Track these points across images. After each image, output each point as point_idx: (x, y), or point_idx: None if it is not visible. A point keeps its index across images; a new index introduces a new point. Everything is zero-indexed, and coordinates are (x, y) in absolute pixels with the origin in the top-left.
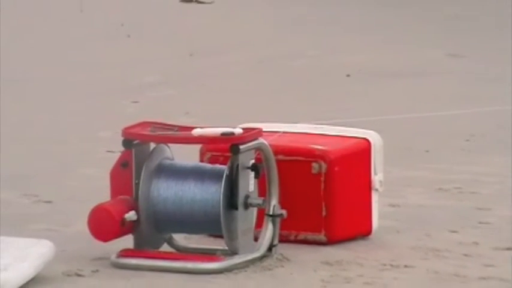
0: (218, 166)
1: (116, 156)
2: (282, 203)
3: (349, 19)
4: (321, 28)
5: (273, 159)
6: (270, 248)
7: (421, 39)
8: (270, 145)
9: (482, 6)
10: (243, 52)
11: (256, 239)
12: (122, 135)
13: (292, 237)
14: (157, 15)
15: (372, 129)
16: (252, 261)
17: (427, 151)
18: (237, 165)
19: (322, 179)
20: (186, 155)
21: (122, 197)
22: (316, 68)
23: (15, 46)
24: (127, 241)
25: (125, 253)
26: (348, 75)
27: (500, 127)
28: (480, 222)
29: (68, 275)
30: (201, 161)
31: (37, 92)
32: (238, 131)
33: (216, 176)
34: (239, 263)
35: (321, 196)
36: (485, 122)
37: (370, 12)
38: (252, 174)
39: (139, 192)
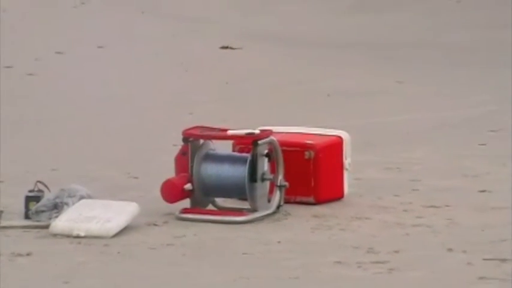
0: (244, 154)
1: (178, 148)
2: (286, 178)
3: (321, 56)
4: (306, 62)
5: (279, 149)
6: (278, 207)
7: (375, 70)
8: (278, 140)
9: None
10: (260, 81)
11: (269, 201)
12: (182, 134)
13: (292, 200)
14: (205, 56)
15: (343, 130)
16: (267, 216)
17: (379, 144)
18: (256, 154)
19: (312, 162)
20: (223, 147)
21: (182, 174)
22: (309, 90)
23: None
24: (185, 203)
25: (184, 210)
26: (328, 95)
27: (428, 128)
28: (413, 189)
29: (148, 225)
30: (233, 151)
31: (133, 107)
32: (257, 131)
33: (243, 160)
34: (258, 217)
35: (311, 173)
36: (417, 124)
37: (346, 52)
38: (266, 159)
39: (194, 171)
